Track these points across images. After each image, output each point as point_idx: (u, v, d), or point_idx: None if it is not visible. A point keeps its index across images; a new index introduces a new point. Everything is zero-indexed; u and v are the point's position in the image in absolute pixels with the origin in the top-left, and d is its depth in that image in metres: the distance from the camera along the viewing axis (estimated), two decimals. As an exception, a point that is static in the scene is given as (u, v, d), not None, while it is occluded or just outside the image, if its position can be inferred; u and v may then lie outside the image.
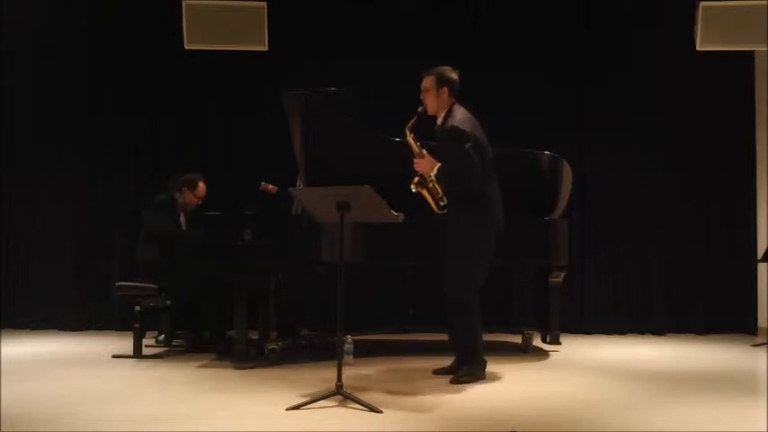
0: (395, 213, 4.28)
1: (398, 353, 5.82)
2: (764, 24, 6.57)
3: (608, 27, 7.20)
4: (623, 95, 7.15)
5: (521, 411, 4.12)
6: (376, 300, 7.16)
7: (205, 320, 5.88)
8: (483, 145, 4.76)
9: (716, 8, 6.62)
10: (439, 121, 4.83)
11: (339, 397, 4.11)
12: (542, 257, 5.82)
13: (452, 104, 4.80)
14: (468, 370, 4.79)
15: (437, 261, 4.99)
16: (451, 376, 4.79)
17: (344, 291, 4.22)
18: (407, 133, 4.77)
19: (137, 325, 5.63)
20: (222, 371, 5.16)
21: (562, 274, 5.89)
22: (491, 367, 4.95)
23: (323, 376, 4.77)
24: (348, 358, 5.20)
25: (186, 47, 6.72)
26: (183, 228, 6.12)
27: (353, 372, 4.98)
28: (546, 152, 6.08)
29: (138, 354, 5.57)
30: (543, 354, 5.89)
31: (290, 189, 4.80)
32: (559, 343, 6.03)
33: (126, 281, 5.92)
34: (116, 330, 6.85)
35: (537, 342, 6.08)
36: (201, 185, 6.19)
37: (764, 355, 5.93)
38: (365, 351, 5.60)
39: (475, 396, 4.46)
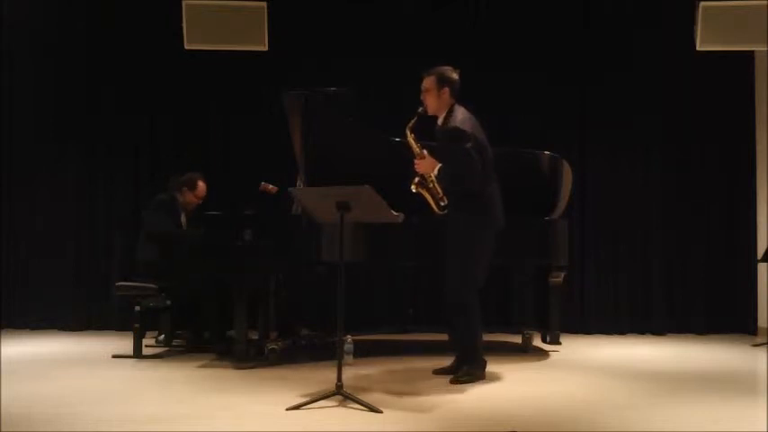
0: (395, 213, 4.28)
1: (398, 353, 5.82)
2: (764, 24, 6.57)
3: (608, 27, 7.20)
4: (623, 95, 7.15)
5: (521, 411, 4.12)
6: (376, 300, 7.16)
7: (205, 320, 5.88)
8: (483, 145, 4.76)
9: (716, 8, 6.62)
10: (439, 121, 4.83)
11: (339, 397, 4.11)
12: (542, 257, 5.82)
13: (453, 105, 4.80)
14: (468, 370, 4.79)
15: (437, 261, 4.99)
16: (451, 376, 4.79)
17: (344, 291, 4.22)
18: (408, 134, 4.77)
19: (137, 325, 5.62)
20: (222, 371, 5.15)
21: (562, 274, 5.89)
22: (491, 367, 4.95)
23: (323, 376, 4.77)
24: (348, 358, 5.20)
25: (186, 47, 6.72)
26: (184, 227, 6.12)
27: (353, 372, 4.98)
28: (546, 152, 6.08)
29: (138, 354, 5.57)
30: (543, 354, 5.89)
31: (290, 189, 4.80)
32: (559, 343, 6.03)
33: (126, 281, 5.92)
34: (116, 330, 6.86)
35: (537, 342, 6.08)
36: (201, 185, 6.19)
37: (764, 355, 5.93)
38: (365, 351, 5.60)
39: (475, 396, 4.46)
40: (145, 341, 5.73)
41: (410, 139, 4.77)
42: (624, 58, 7.15)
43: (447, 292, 4.80)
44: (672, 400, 4.39)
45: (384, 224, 4.52)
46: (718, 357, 5.99)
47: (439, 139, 4.85)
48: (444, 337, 5.18)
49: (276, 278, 5.85)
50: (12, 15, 7.19)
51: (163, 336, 6.11)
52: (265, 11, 6.64)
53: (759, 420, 3.90)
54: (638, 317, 7.13)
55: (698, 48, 6.73)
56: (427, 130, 4.87)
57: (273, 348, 5.38)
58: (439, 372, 4.95)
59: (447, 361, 5.01)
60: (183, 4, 6.64)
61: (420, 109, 4.78)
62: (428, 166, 4.72)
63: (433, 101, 4.78)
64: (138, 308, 5.64)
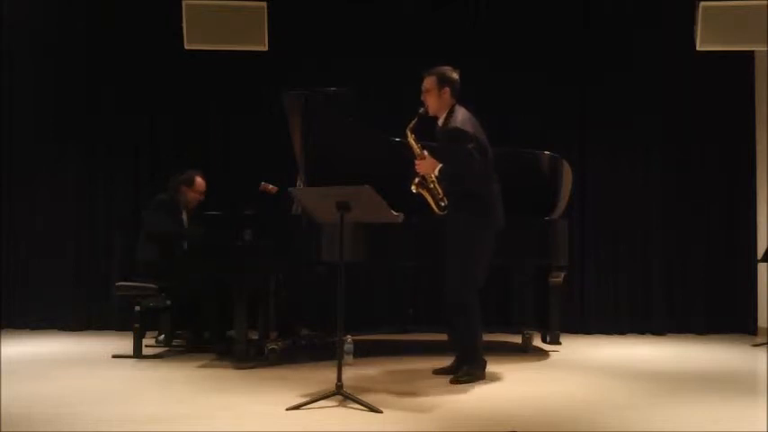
0: (395, 213, 4.28)
1: (398, 353, 5.82)
2: (764, 24, 6.57)
3: (608, 27, 7.20)
4: (623, 95, 7.15)
5: (521, 411, 4.12)
6: (376, 300, 7.16)
7: (205, 320, 5.88)
8: (484, 146, 4.76)
9: (716, 8, 6.62)
10: (440, 121, 4.83)
11: (339, 397, 4.11)
12: (542, 257, 5.82)
13: (453, 105, 4.80)
14: (468, 370, 4.79)
15: (437, 261, 4.99)
16: (451, 376, 4.79)
17: (344, 291, 4.22)
18: (408, 134, 4.77)
19: (137, 325, 5.62)
20: (222, 371, 5.15)
21: (562, 274, 5.90)
22: (491, 367, 4.95)
23: (323, 376, 4.77)
24: (348, 358, 5.20)
25: (186, 47, 6.72)
26: (186, 226, 6.11)
27: (353, 372, 4.98)
28: (546, 152, 6.09)
29: (138, 354, 5.57)
30: (543, 354, 5.89)
31: (290, 189, 4.80)
32: (559, 343, 6.03)
33: (126, 281, 5.92)
34: (116, 330, 6.86)
35: (537, 342, 6.08)
36: (199, 180, 6.18)
37: (764, 355, 5.93)
38: (365, 351, 5.60)
39: (475, 396, 4.46)
40: (145, 341, 5.72)
41: (411, 139, 4.77)
42: (624, 58, 7.15)
43: (447, 292, 4.80)
44: (672, 400, 4.39)
45: (384, 224, 4.52)
46: (718, 357, 5.99)
47: (439, 139, 4.85)
48: (444, 337, 5.18)
49: (276, 278, 5.85)
50: (12, 15, 7.19)
51: (163, 336, 6.11)
52: (265, 11, 6.64)
53: (759, 420, 3.90)
54: (638, 317, 7.13)
55: (698, 48, 6.73)
56: (427, 130, 4.86)
57: (273, 348, 5.38)
58: (439, 372, 4.95)
59: (447, 361, 5.01)
60: (183, 4, 6.65)
61: (421, 109, 4.78)
62: (429, 166, 4.72)
63: (434, 101, 4.78)
64: (138, 308, 5.64)
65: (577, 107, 7.22)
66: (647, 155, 7.24)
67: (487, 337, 5.19)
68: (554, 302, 5.92)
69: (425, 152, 4.75)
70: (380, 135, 5.57)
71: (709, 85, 7.14)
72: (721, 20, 6.61)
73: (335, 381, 4.13)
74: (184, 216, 6.15)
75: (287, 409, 3.99)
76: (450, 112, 4.78)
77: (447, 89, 4.77)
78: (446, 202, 4.75)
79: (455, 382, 4.72)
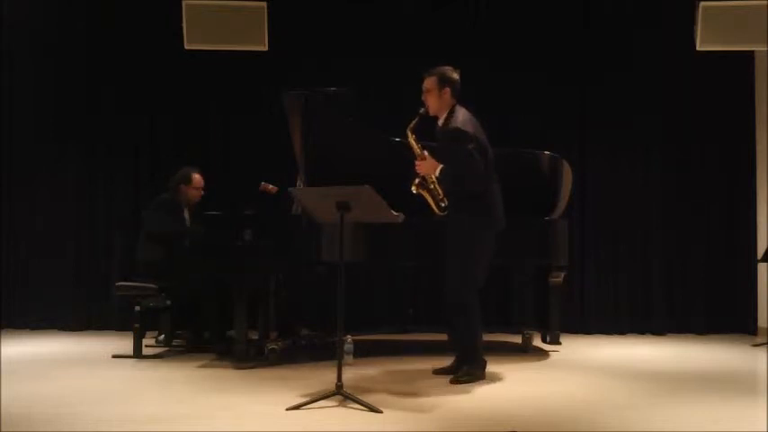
0: (395, 213, 4.28)
1: (398, 353, 5.82)
2: (764, 24, 6.57)
3: (608, 27, 7.19)
4: (623, 95, 7.15)
5: (521, 411, 4.12)
6: (376, 300, 7.16)
7: (205, 320, 5.88)
8: (485, 146, 4.76)
9: (716, 8, 6.62)
10: (440, 122, 4.82)
11: (339, 397, 4.11)
12: (542, 257, 5.82)
13: (454, 105, 4.80)
14: (468, 370, 4.79)
15: (437, 261, 4.99)
16: (451, 376, 4.80)
17: (344, 291, 4.22)
18: (409, 134, 4.77)
19: (137, 325, 5.62)
20: (222, 371, 5.15)
21: (562, 274, 5.90)
22: (491, 367, 4.95)
23: (323, 376, 4.77)
24: (348, 358, 5.20)
25: (186, 47, 6.72)
26: (188, 224, 6.11)
27: (353, 372, 4.98)
28: (546, 152, 6.09)
29: (138, 354, 5.57)
30: (543, 354, 5.89)
31: (290, 189, 4.80)
32: (559, 343, 6.03)
33: (126, 281, 5.92)
34: (116, 330, 6.85)
35: (537, 342, 6.08)
36: (196, 176, 6.16)
37: (764, 355, 5.93)
38: (365, 351, 5.60)
39: (475, 396, 4.46)
40: (145, 341, 5.72)
41: (411, 139, 4.77)
42: (624, 58, 7.15)
43: (447, 292, 4.80)
44: (672, 400, 4.39)
45: (384, 224, 4.52)
46: (718, 357, 5.99)
47: (440, 139, 4.85)
48: (444, 337, 5.18)
49: (276, 278, 5.85)
50: (12, 15, 7.19)
51: (163, 336, 6.11)
52: (265, 11, 6.64)
53: (759, 420, 3.90)
54: (638, 317, 7.13)
55: (698, 48, 6.73)
56: (427, 130, 4.86)
57: (273, 348, 5.38)
58: (439, 372, 4.95)
59: (447, 361, 5.01)
60: (183, 4, 6.64)
61: (422, 110, 4.77)
62: (429, 167, 4.72)
63: (435, 101, 4.78)
64: (138, 308, 5.64)
65: (577, 107, 7.22)
66: (647, 155, 7.24)
67: (487, 337, 5.19)
68: (554, 302, 5.92)
69: (426, 153, 4.75)
70: (380, 135, 5.57)
71: (710, 85, 7.13)
72: (721, 20, 6.61)
73: (335, 381, 4.13)
74: (186, 214, 6.15)
75: (287, 409, 4.00)
76: (451, 113, 4.78)
77: (447, 89, 4.77)
78: (446, 202, 4.75)
79: (455, 382, 4.72)
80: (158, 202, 6.07)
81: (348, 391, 4.12)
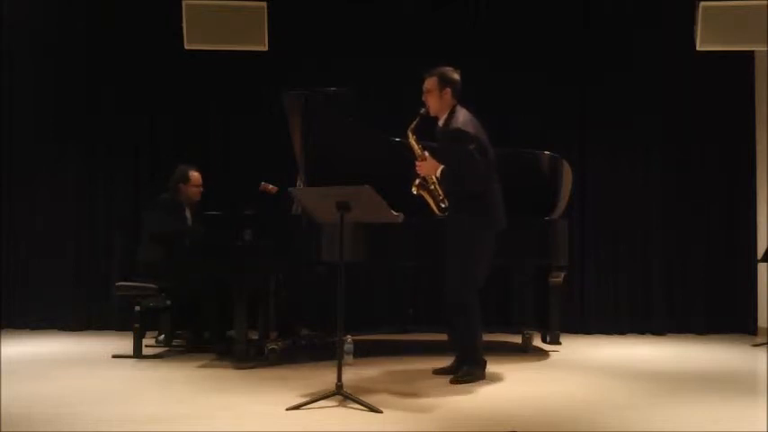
0: (395, 213, 4.28)
1: (398, 353, 5.82)
2: (764, 24, 6.57)
3: (608, 27, 7.19)
4: (623, 95, 7.15)
5: (521, 411, 4.13)
6: (376, 300, 7.16)
7: (205, 320, 5.88)
8: (485, 146, 4.76)
9: (716, 8, 6.62)
10: (441, 122, 4.82)
11: (339, 397, 4.11)
12: (542, 257, 5.82)
13: (455, 106, 4.80)
14: (468, 370, 4.79)
15: (437, 261, 4.99)
16: (451, 376, 4.80)
17: (344, 291, 4.22)
18: (410, 135, 4.77)
19: (137, 325, 5.62)
20: (222, 371, 5.15)
21: (562, 274, 5.90)
22: (491, 367, 4.95)
23: (323, 376, 4.77)
24: (348, 358, 5.20)
25: (186, 47, 6.72)
26: (190, 223, 6.11)
27: (353, 372, 4.98)
28: (546, 152, 6.09)
29: (138, 354, 5.57)
30: (543, 354, 5.89)
31: (290, 189, 4.80)
32: (559, 343, 6.03)
33: (126, 281, 5.92)
34: (116, 330, 6.85)
35: (537, 342, 6.08)
36: (194, 174, 6.15)
37: (764, 355, 5.93)
38: (365, 351, 5.60)
39: (475, 396, 4.46)
40: (145, 341, 5.72)
41: (412, 140, 4.77)
42: (624, 58, 7.15)
43: (447, 292, 4.80)
44: (672, 400, 4.39)
45: (384, 224, 4.52)
46: (718, 357, 5.99)
47: (440, 139, 4.85)
48: (444, 337, 5.18)
49: (276, 278, 5.85)
50: (12, 15, 7.18)
51: (163, 336, 6.11)
52: (265, 11, 6.64)
53: (759, 420, 3.90)
54: (638, 317, 7.13)
55: (698, 48, 6.73)
56: (428, 130, 4.86)
57: (273, 348, 5.38)
58: (439, 372, 4.95)
59: (447, 361, 5.01)
60: (183, 4, 6.65)
61: (422, 110, 4.78)
62: (430, 168, 4.72)
63: (435, 102, 4.78)
64: (138, 308, 5.64)
65: (577, 107, 7.22)
66: (647, 155, 7.24)
67: (487, 337, 5.19)
68: (554, 302, 5.92)
69: (426, 153, 4.75)
70: (380, 135, 5.58)
71: (709, 85, 7.13)
72: (721, 20, 6.61)
73: (335, 381, 4.13)
74: (188, 213, 6.14)
75: (287, 409, 4.00)
76: (451, 113, 4.78)
77: (448, 90, 4.76)
78: (446, 203, 4.75)
79: (455, 382, 4.72)
80: (159, 203, 6.07)
81: (348, 391, 4.12)
